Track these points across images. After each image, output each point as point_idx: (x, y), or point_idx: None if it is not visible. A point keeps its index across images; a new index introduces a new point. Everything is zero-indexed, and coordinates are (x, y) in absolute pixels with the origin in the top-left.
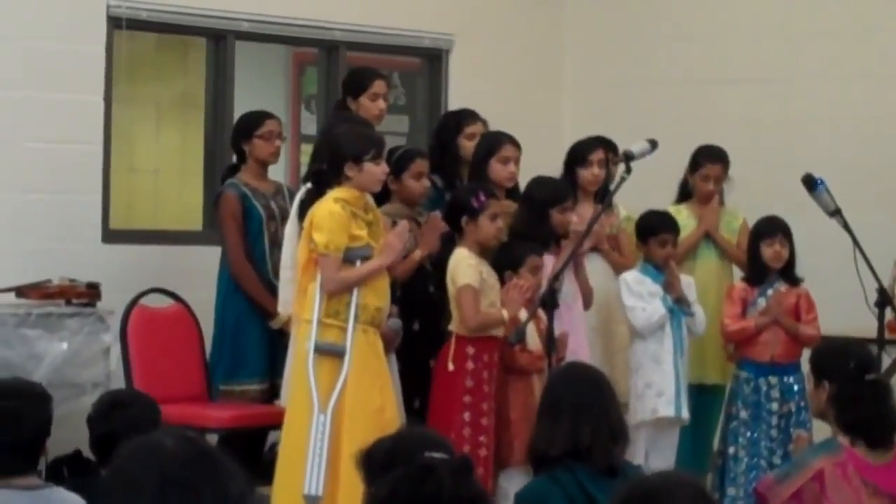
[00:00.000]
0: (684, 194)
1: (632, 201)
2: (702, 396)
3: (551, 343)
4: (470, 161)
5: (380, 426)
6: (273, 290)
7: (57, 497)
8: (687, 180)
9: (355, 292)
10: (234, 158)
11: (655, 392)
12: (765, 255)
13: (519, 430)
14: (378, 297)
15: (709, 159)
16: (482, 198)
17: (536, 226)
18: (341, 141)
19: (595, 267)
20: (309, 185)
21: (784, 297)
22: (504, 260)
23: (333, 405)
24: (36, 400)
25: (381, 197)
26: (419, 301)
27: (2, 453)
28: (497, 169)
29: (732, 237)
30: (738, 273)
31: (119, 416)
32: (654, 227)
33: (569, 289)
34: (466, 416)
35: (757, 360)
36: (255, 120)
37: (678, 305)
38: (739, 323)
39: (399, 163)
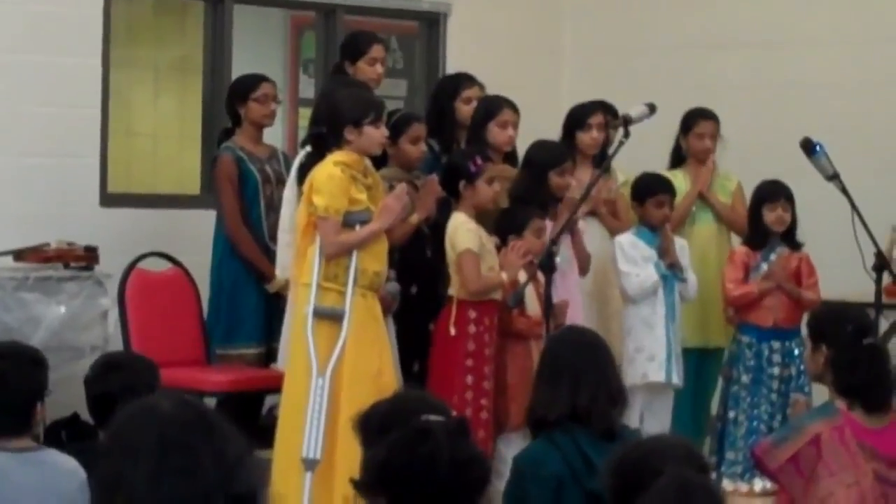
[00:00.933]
0: (677, 159)
1: (631, 166)
2: (704, 360)
3: (549, 306)
4: (467, 125)
5: (378, 389)
6: (269, 254)
7: (50, 459)
8: (680, 145)
9: (354, 256)
10: (230, 122)
11: (646, 356)
12: (767, 219)
13: (516, 394)
14: (377, 260)
15: (700, 117)
16: (479, 162)
17: (535, 188)
18: (341, 104)
19: (592, 231)
20: (308, 148)
21: (787, 262)
22: (507, 223)
23: (332, 369)
24: (25, 363)
25: (379, 161)
26: (417, 265)
27: (5, 414)
28: (496, 133)
29: (727, 200)
30: (735, 237)
31: (115, 377)
32: (651, 188)
33: (564, 255)
34: (469, 379)
35: (760, 325)
36: (250, 83)
37: (671, 271)
38: (742, 287)
39: (396, 127)
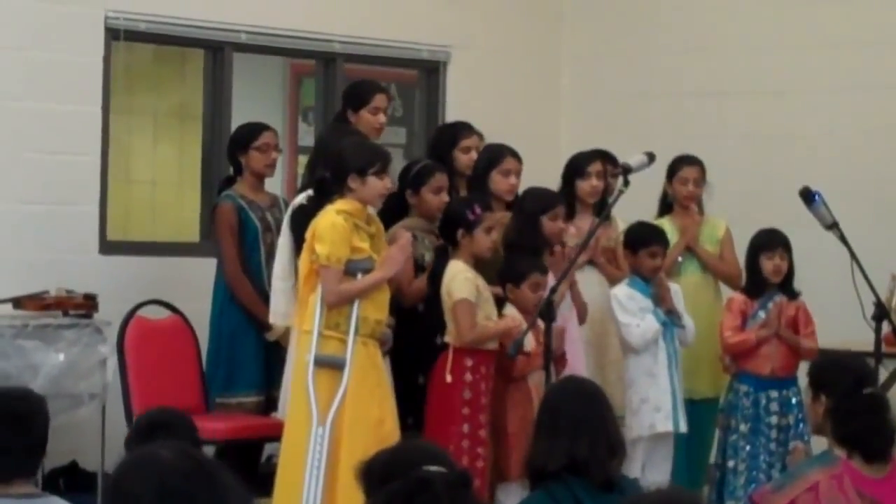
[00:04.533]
0: (664, 207)
1: (630, 214)
2: (693, 410)
3: (549, 357)
4: (466, 174)
5: (379, 439)
6: (269, 302)
7: None
8: (666, 193)
9: (356, 304)
10: (231, 170)
11: (653, 407)
12: (765, 268)
13: (516, 443)
14: (378, 309)
15: (684, 163)
16: (478, 211)
17: (528, 234)
18: (347, 153)
19: (590, 280)
20: (303, 195)
21: (784, 310)
22: (507, 273)
23: (332, 417)
24: (41, 403)
25: (400, 211)
26: (405, 317)
27: (15, 455)
28: (498, 181)
29: (715, 247)
30: (723, 286)
31: (161, 436)
32: (645, 238)
33: (564, 302)
34: (465, 427)
35: (757, 374)
36: (251, 132)
37: (670, 318)
38: (740, 335)
39: (418, 177)
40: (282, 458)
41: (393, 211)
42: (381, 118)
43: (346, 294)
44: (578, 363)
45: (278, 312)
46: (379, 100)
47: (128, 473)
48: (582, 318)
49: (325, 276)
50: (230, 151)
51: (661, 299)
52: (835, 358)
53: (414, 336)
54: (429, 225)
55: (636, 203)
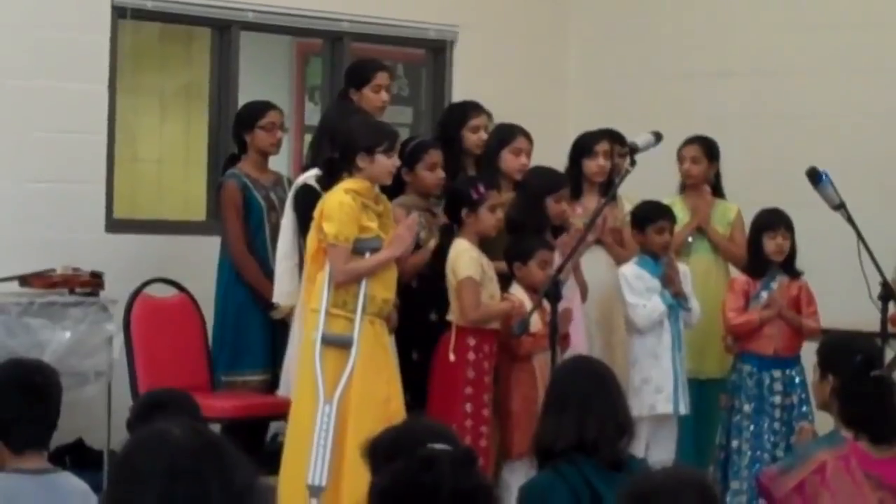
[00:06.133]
0: (683, 187)
1: (637, 194)
2: (701, 390)
3: (555, 335)
4: (475, 153)
5: (386, 417)
6: (274, 281)
7: (65, 482)
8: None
9: (363, 283)
10: (236, 148)
11: (654, 388)
12: (767, 248)
13: (520, 421)
14: (386, 288)
15: (685, 143)
16: (482, 189)
17: (531, 214)
18: (355, 131)
19: (598, 260)
20: (307, 174)
21: (786, 290)
22: (514, 251)
23: (339, 395)
24: (55, 375)
25: (396, 189)
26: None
27: (29, 425)
28: (509, 160)
29: (727, 229)
30: (732, 268)
31: (161, 416)
32: (651, 215)
33: (569, 282)
34: (468, 407)
35: (760, 354)
36: (257, 110)
37: (677, 300)
38: (743, 316)
39: (413, 154)
40: (288, 436)
41: (389, 189)
42: (384, 96)
43: (354, 273)
44: (580, 342)
45: (283, 292)
46: (381, 77)
47: (136, 451)
48: (582, 297)
49: (333, 255)
50: (235, 130)
51: (669, 281)
52: (844, 338)
53: (408, 312)
54: (424, 202)
55: (643, 183)
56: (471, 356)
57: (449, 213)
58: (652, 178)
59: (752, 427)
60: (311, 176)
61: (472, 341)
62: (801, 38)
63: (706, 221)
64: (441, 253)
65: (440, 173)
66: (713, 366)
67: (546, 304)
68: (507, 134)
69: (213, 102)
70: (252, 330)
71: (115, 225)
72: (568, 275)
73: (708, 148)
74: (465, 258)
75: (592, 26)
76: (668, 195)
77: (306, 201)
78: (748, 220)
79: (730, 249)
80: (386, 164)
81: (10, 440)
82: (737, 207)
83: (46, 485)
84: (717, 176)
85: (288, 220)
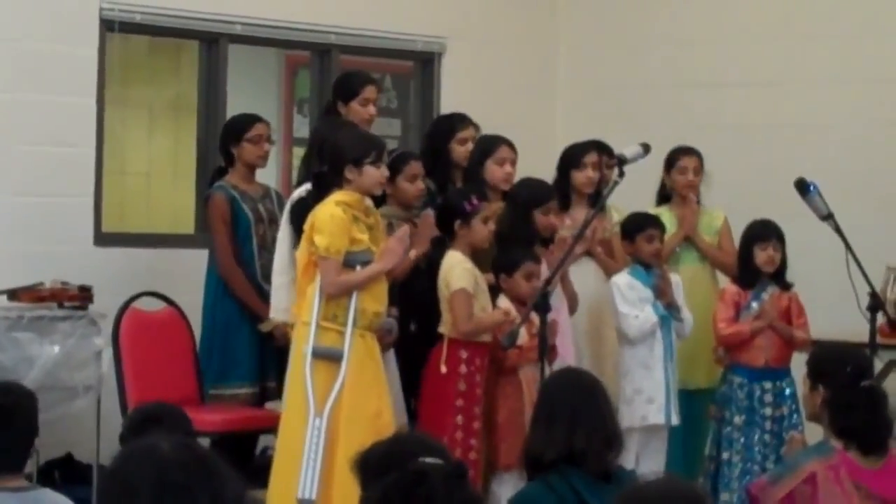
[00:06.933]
0: (662, 198)
1: (625, 205)
2: (690, 401)
3: (544, 346)
4: (463, 165)
5: (376, 430)
6: (262, 294)
7: (46, 498)
8: (665, 183)
9: (354, 296)
10: (223, 161)
11: (646, 399)
12: (758, 259)
13: (506, 434)
14: (376, 301)
15: (682, 153)
16: (474, 201)
17: (520, 226)
18: (342, 144)
19: (587, 271)
20: (302, 189)
21: (777, 302)
22: (500, 263)
23: (330, 409)
24: (27, 397)
25: (378, 200)
26: (416, 302)
27: (3, 450)
28: (493, 170)
29: (713, 238)
30: (720, 276)
31: (155, 431)
32: (640, 224)
33: (555, 293)
34: (459, 419)
35: (751, 365)
36: (244, 123)
37: (669, 311)
38: (734, 326)
39: (393, 165)
40: (278, 449)
41: (372, 200)
42: (372, 109)
43: (345, 285)
44: (568, 354)
45: (279, 308)
46: (369, 91)
47: (126, 465)
48: (572, 309)
49: (324, 268)
50: (222, 142)
51: (661, 292)
52: (834, 349)
53: (422, 319)
54: (405, 213)
55: (632, 194)
56: (462, 369)
57: (441, 226)
58: (640, 189)
59: (742, 439)
60: (306, 190)
61: (464, 354)
62: (790, 49)
63: (693, 231)
64: (432, 265)
65: (421, 184)
66: (701, 376)
67: (533, 316)
68: (490, 145)
69: (202, 115)
70: (240, 343)
71: (103, 238)
72: (555, 286)
73: (702, 158)
74: (458, 270)
75: (581, 37)
76: (646, 206)
77: (302, 215)
78: (738, 231)
79: (718, 258)
80: (375, 175)
81: None
82: (723, 215)
83: (28, 501)
84: None
85: (284, 235)
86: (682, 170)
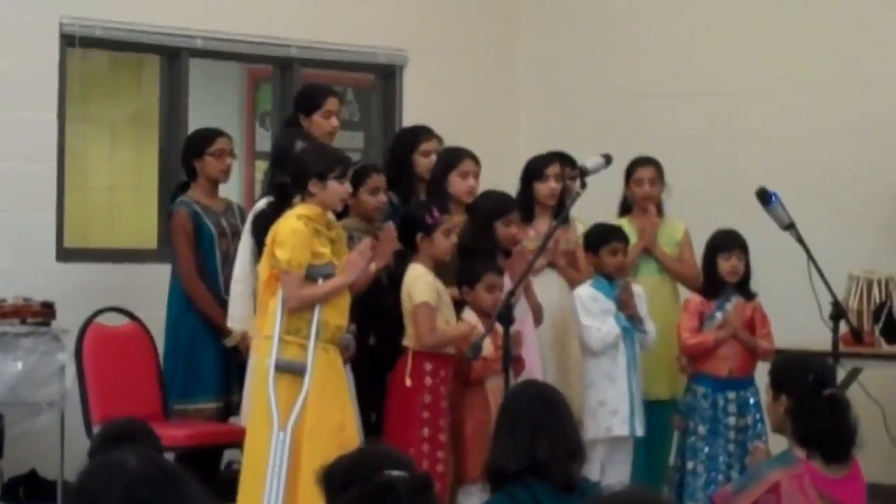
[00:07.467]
0: (624, 209)
1: (588, 216)
2: (651, 411)
3: (508, 358)
4: (426, 178)
5: (340, 444)
6: (225, 308)
7: None
8: (626, 195)
9: (316, 310)
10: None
11: (610, 410)
12: (722, 269)
13: (473, 446)
14: (339, 314)
15: (639, 164)
16: (436, 214)
17: (481, 238)
18: (307, 157)
19: (551, 283)
20: (264, 201)
21: (741, 311)
22: (463, 275)
23: (293, 423)
24: None
25: (339, 212)
26: (375, 315)
27: None
28: (456, 183)
29: (674, 249)
30: (681, 287)
31: (127, 447)
32: (605, 236)
33: (520, 305)
34: (425, 431)
35: (715, 375)
36: (206, 138)
37: (632, 322)
38: (698, 336)
39: (355, 178)
40: (244, 464)
41: (334, 213)
42: (334, 121)
43: (307, 299)
44: (534, 366)
45: (236, 316)
46: (331, 103)
47: (92, 480)
48: (538, 320)
49: (286, 282)
50: (185, 157)
51: (624, 304)
52: (796, 358)
53: (382, 333)
54: (366, 226)
55: (594, 205)
56: (427, 381)
57: (403, 238)
58: (603, 201)
59: (706, 448)
60: (267, 202)
61: (428, 366)
62: (750, 59)
63: (653, 242)
64: (395, 278)
65: (382, 197)
66: (663, 387)
67: (498, 327)
68: (454, 157)
69: (164, 130)
70: (204, 358)
71: (65, 254)
72: (518, 298)
73: (660, 169)
74: (420, 283)
75: (541, 49)
76: (609, 217)
77: (264, 227)
78: (700, 242)
79: (677, 269)
80: (338, 190)
81: None
82: (684, 226)
83: None
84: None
85: (245, 244)
86: (638, 181)
